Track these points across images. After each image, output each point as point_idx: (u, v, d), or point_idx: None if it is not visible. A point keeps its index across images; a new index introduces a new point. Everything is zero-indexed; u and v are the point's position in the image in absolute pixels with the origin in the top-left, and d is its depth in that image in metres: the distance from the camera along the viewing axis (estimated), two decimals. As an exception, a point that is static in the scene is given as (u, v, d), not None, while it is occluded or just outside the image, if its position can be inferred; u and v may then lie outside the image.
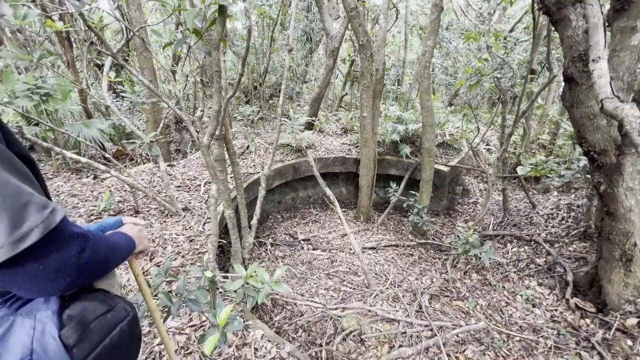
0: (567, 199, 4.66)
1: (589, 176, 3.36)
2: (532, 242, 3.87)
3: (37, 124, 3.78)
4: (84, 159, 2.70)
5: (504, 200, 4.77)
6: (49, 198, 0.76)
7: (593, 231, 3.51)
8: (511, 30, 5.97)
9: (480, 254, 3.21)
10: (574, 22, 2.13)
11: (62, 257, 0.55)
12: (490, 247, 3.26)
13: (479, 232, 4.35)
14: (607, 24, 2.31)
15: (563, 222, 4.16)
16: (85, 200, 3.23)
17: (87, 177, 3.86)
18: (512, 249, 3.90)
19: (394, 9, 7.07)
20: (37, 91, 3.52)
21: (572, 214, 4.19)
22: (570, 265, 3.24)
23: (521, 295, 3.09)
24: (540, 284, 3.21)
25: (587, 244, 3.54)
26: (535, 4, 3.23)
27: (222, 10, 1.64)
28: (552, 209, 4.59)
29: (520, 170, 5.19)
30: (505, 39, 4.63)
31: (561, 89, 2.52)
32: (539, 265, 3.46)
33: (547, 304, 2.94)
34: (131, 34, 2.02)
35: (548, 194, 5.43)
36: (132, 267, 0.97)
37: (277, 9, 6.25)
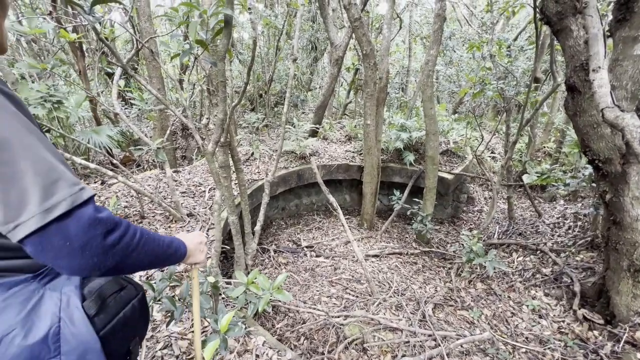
0: (573, 207, 4.60)
1: (595, 185, 3.33)
2: (538, 252, 3.82)
3: (48, 131, 3.88)
4: (92, 165, 2.77)
5: (509, 209, 4.73)
6: None
7: (600, 241, 3.46)
8: (515, 39, 6.00)
9: (485, 263, 3.17)
10: (575, 32, 2.15)
11: (87, 235, 0.56)
12: (495, 256, 3.22)
13: (483, 240, 4.31)
14: (609, 33, 2.32)
15: (569, 231, 4.11)
16: (93, 206, 3.29)
17: (95, 182, 3.93)
18: (517, 258, 3.85)
19: (398, 18, 7.17)
20: (50, 99, 3.63)
21: (579, 223, 4.13)
22: (578, 275, 3.19)
23: (527, 306, 3.04)
24: (546, 295, 3.16)
25: (594, 254, 3.48)
26: (537, 15, 3.25)
27: (227, 22, 1.69)
28: (558, 218, 4.54)
29: (526, 179, 5.14)
30: (509, 47, 4.65)
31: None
32: (546, 275, 3.40)
33: (554, 315, 2.89)
34: (140, 45, 2.09)
35: (554, 202, 5.36)
36: (192, 272, 1.06)
37: (283, 19, 6.37)
